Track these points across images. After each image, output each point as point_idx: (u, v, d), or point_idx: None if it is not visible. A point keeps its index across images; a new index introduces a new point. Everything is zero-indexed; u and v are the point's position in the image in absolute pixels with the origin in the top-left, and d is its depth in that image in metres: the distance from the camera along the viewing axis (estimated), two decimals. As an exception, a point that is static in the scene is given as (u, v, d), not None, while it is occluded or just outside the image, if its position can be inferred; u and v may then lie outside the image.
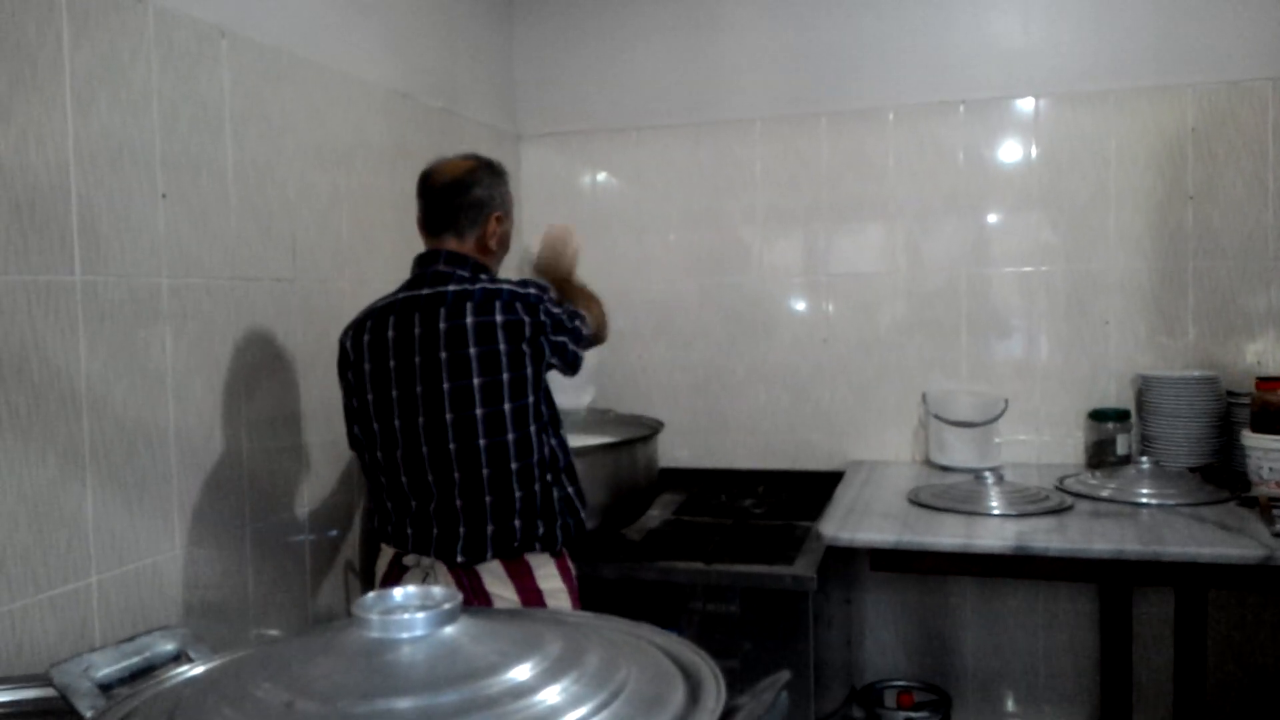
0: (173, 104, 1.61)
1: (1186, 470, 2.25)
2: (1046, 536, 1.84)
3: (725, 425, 2.79)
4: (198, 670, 0.88)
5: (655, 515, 2.33)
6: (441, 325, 1.64)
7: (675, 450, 2.71)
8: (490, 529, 1.64)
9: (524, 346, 1.64)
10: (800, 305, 2.76)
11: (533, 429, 1.66)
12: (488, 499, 1.64)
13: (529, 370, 1.65)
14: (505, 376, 1.63)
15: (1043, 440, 2.56)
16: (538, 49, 2.91)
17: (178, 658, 0.96)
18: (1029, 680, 2.60)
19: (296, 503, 1.90)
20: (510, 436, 1.63)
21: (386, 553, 1.75)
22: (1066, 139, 2.54)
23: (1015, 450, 2.56)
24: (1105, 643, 2.49)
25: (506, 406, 1.63)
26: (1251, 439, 2.09)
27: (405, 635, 0.78)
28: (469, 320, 1.63)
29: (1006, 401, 2.52)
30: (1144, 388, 2.40)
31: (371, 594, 0.84)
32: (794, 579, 1.88)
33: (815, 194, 2.72)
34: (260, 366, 1.80)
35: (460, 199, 1.74)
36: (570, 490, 1.73)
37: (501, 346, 1.63)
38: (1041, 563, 1.78)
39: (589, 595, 1.72)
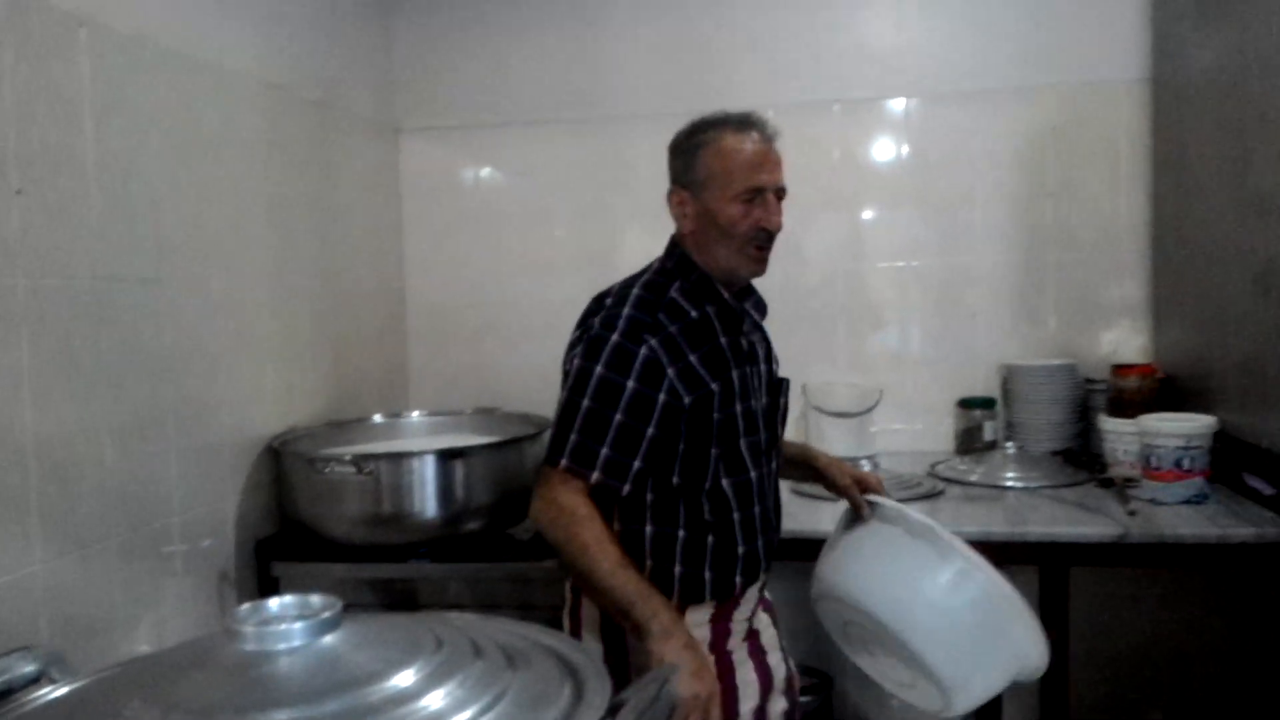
0: (28, 95, 1.52)
1: (1049, 454, 2.38)
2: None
3: (614, 420, 2.80)
4: (61, 691, 0.84)
5: (544, 512, 2.32)
6: None
7: (564, 446, 2.71)
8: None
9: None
10: (686, 300, 2.79)
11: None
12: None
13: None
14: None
15: (915, 429, 2.66)
16: (418, 40, 2.85)
17: (39, 679, 0.91)
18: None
19: (167, 512, 1.82)
20: None
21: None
22: (936, 138, 2.65)
23: (890, 439, 2.66)
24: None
25: None
26: (1108, 423, 2.22)
27: (282, 646, 0.77)
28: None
29: (881, 392, 2.61)
30: (1008, 376, 2.52)
31: (246, 605, 0.82)
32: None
33: (700, 190, 2.75)
34: (125, 370, 1.71)
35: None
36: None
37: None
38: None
39: (479, 593, 1.71)
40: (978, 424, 2.54)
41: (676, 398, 1.43)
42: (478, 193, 2.90)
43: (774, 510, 1.62)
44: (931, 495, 2.12)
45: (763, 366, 1.61)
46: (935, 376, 2.66)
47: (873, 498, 1.55)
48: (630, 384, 1.41)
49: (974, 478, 2.24)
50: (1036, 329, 2.62)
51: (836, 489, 1.61)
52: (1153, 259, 2.53)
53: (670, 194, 1.56)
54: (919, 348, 2.69)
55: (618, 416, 1.41)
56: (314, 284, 2.36)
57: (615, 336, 1.43)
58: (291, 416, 2.22)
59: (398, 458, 1.96)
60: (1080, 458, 2.37)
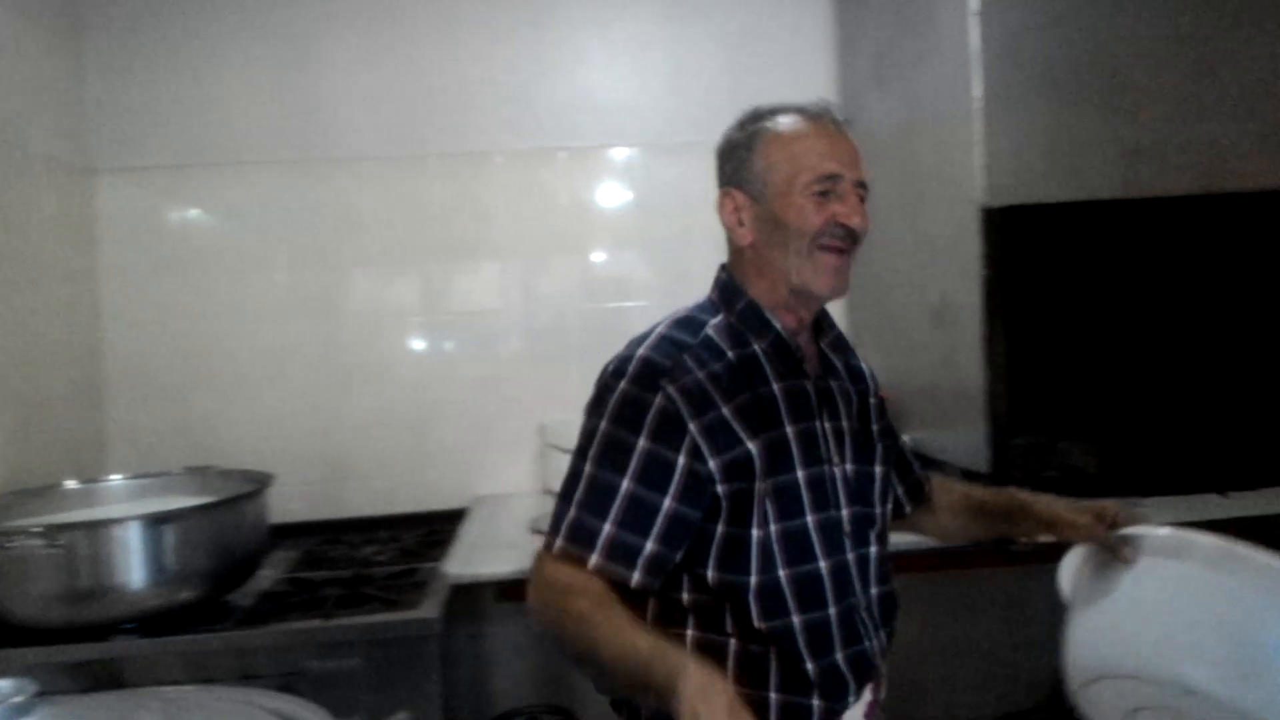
0: None
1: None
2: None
3: (345, 473, 2.69)
4: None
5: (267, 575, 2.17)
6: None
7: (289, 504, 2.55)
8: None
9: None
10: (420, 344, 2.74)
11: None
12: None
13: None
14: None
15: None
16: (115, 75, 2.63)
17: None
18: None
19: None
20: None
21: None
22: (656, 185, 2.78)
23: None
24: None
25: None
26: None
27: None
28: None
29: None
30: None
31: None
32: (417, 623, 1.85)
33: (429, 234, 2.72)
34: None
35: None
36: None
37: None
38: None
39: (196, 667, 1.56)
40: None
41: (701, 460, 1.14)
42: (186, 237, 2.70)
43: (873, 608, 1.28)
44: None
45: (846, 423, 1.29)
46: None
47: (1133, 530, 1.22)
48: (641, 443, 1.14)
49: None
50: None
51: (1076, 533, 1.28)
52: (850, 294, 2.78)
53: (720, 200, 1.30)
54: (649, 384, 2.80)
55: (625, 484, 1.14)
56: (-11, 339, 2.09)
57: (625, 383, 1.18)
58: (-37, 489, 1.95)
59: (95, 526, 1.77)
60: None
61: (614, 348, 2.74)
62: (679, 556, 1.16)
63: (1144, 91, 1.88)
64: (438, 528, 2.48)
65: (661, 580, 1.15)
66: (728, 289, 1.30)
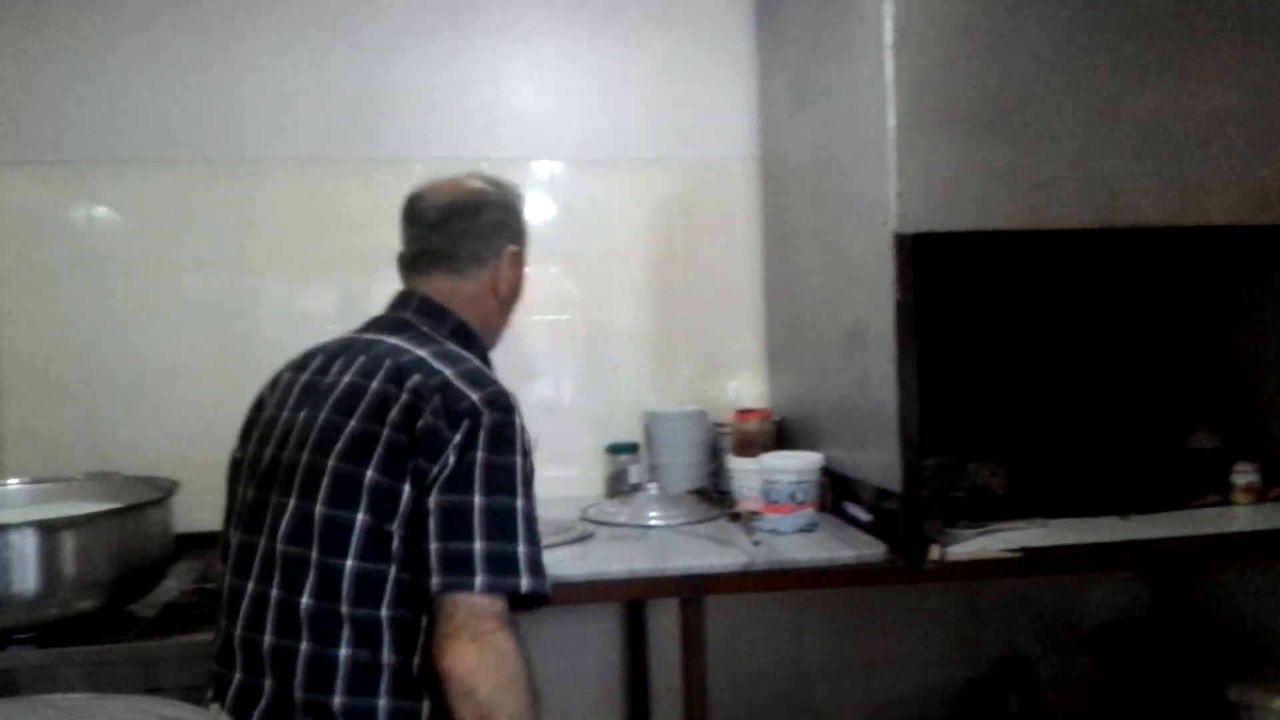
0: None
1: (687, 493, 2.57)
2: (571, 564, 1.98)
3: (253, 481, 2.62)
4: None
5: (172, 586, 2.11)
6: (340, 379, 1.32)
7: (195, 513, 2.47)
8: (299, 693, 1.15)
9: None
10: (333, 354, 2.69)
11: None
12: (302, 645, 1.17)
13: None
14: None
15: (569, 475, 2.75)
16: (13, 67, 2.53)
17: None
18: (564, 703, 2.75)
19: None
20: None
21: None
22: (580, 200, 2.80)
23: (547, 486, 2.70)
24: (628, 658, 2.74)
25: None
26: (734, 462, 2.44)
27: None
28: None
29: (537, 440, 2.66)
30: (649, 422, 2.70)
31: None
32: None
33: (346, 241, 2.68)
34: None
35: (466, 225, 1.46)
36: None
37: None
38: (568, 589, 1.91)
39: (97, 678, 1.51)
40: (623, 468, 2.69)
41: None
42: (89, 236, 2.60)
43: None
44: (583, 539, 2.20)
45: None
46: (586, 424, 2.78)
47: None
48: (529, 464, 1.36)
49: (621, 519, 2.35)
50: (672, 378, 2.83)
51: None
52: (766, 316, 2.84)
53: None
54: (569, 398, 2.81)
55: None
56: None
57: (519, 417, 1.36)
58: None
59: (-13, 533, 1.70)
60: (713, 495, 2.57)
61: (531, 360, 2.76)
62: None
63: (1049, 128, 1.98)
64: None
65: None
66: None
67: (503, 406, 1.29)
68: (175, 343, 2.60)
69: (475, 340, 1.50)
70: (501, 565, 1.18)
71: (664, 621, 2.72)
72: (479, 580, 1.15)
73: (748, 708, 2.76)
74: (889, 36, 1.92)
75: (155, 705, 0.85)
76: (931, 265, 1.94)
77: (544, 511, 2.41)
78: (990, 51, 1.96)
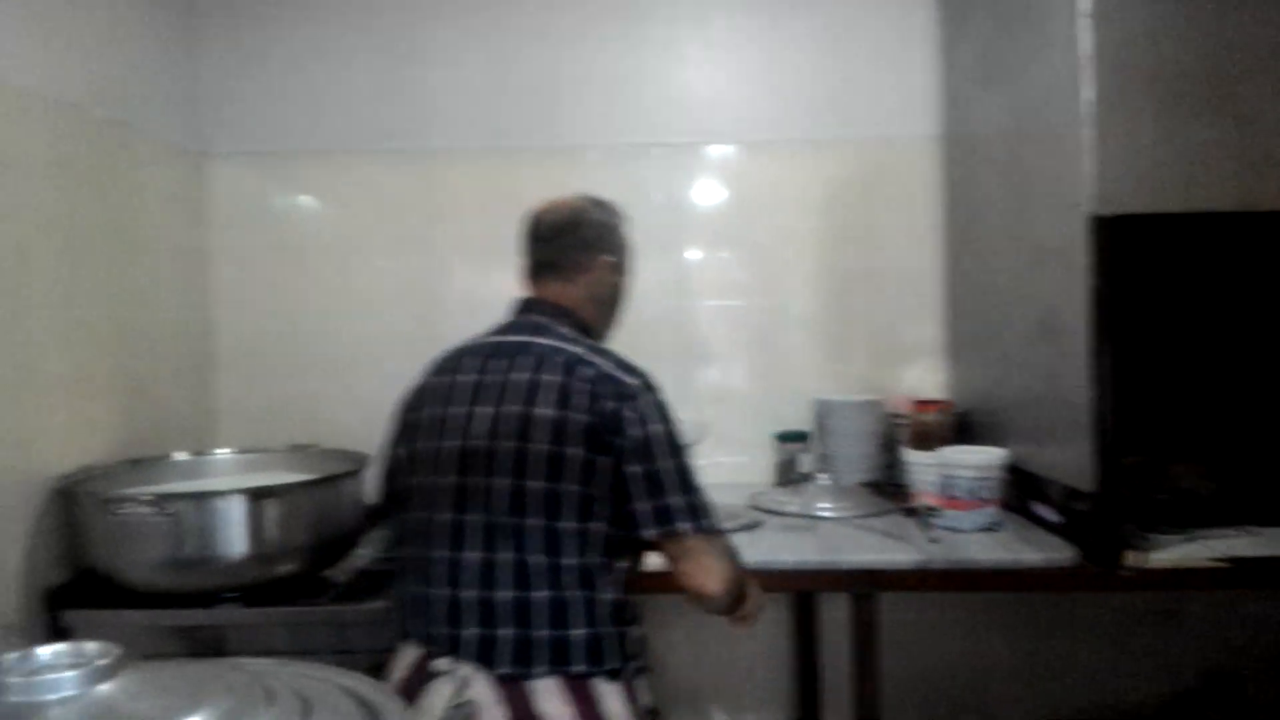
0: None
1: (858, 485, 2.50)
2: (742, 552, 1.96)
3: (436, 458, 2.75)
4: None
5: (364, 555, 2.24)
6: (517, 377, 1.52)
7: (384, 485, 2.63)
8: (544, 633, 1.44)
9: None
10: (511, 336, 2.78)
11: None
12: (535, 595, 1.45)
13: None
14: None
15: (738, 461, 2.74)
16: (227, 62, 2.74)
17: None
18: (733, 690, 2.76)
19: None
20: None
21: (406, 653, 1.53)
22: (752, 184, 2.76)
23: (716, 472, 2.71)
24: (797, 648, 2.70)
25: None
26: (910, 455, 2.36)
27: (53, 697, 0.71)
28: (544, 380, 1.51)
29: (707, 427, 2.67)
30: (820, 411, 2.64)
31: (14, 654, 0.75)
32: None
33: (524, 227, 2.75)
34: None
35: (569, 238, 1.69)
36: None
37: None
38: (737, 577, 1.89)
39: (294, 638, 1.63)
40: (793, 456, 2.65)
41: None
42: (293, 222, 2.79)
43: None
44: (751, 527, 2.18)
45: None
46: (755, 411, 2.75)
47: None
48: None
49: (791, 508, 2.32)
50: (846, 366, 2.76)
51: None
52: (948, 303, 2.72)
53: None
54: (740, 383, 2.79)
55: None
56: (109, 314, 2.20)
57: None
58: (84, 455, 2.05)
59: (202, 497, 1.85)
60: (887, 488, 2.50)
61: (705, 346, 2.75)
62: None
63: (1261, 103, 1.80)
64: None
65: None
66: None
67: (655, 387, 1.55)
68: (369, 323, 2.75)
69: (588, 335, 1.67)
70: (696, 510, 1.51)
71: (835, 614, 2.67)
72: (685, 525, 1.48)
73: (917, 705, 2.67)
74: (1086, 4, 1.79)
75: (334, 674, 0.90)
76: (1129, 248, 1.80)
77: (713, 498, 2.42)
78: (1197, 17, 1.79)
